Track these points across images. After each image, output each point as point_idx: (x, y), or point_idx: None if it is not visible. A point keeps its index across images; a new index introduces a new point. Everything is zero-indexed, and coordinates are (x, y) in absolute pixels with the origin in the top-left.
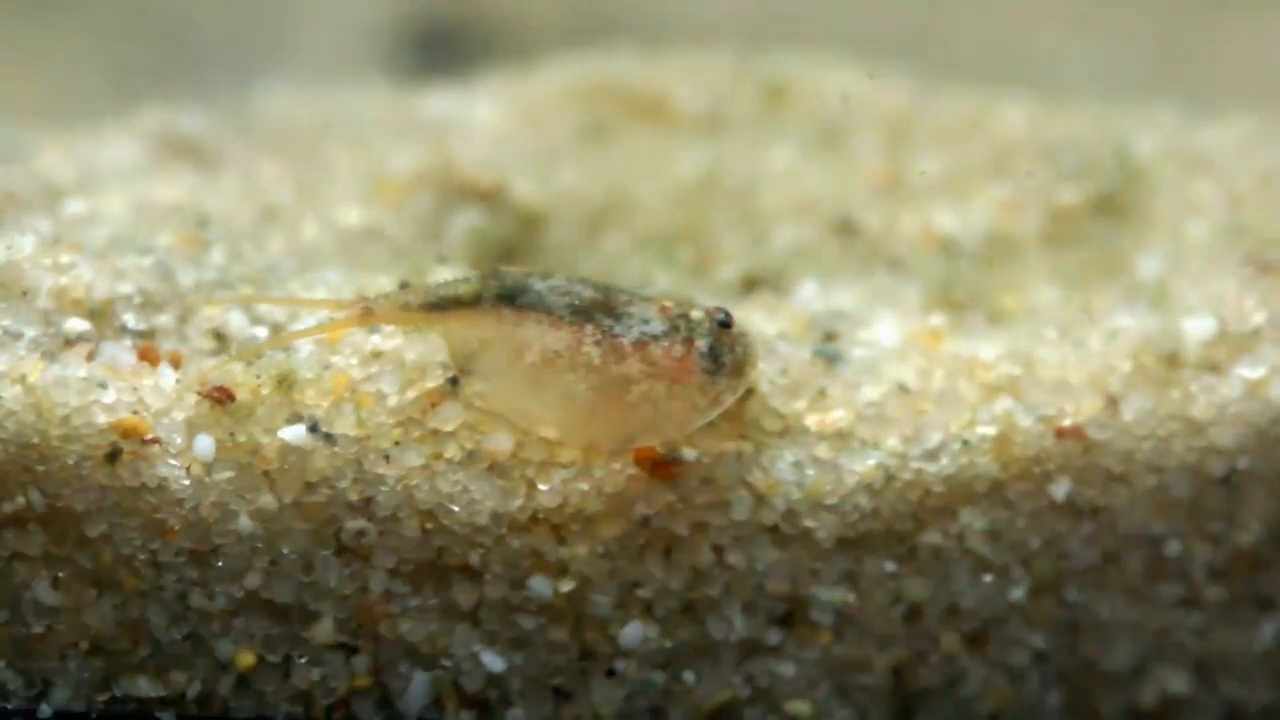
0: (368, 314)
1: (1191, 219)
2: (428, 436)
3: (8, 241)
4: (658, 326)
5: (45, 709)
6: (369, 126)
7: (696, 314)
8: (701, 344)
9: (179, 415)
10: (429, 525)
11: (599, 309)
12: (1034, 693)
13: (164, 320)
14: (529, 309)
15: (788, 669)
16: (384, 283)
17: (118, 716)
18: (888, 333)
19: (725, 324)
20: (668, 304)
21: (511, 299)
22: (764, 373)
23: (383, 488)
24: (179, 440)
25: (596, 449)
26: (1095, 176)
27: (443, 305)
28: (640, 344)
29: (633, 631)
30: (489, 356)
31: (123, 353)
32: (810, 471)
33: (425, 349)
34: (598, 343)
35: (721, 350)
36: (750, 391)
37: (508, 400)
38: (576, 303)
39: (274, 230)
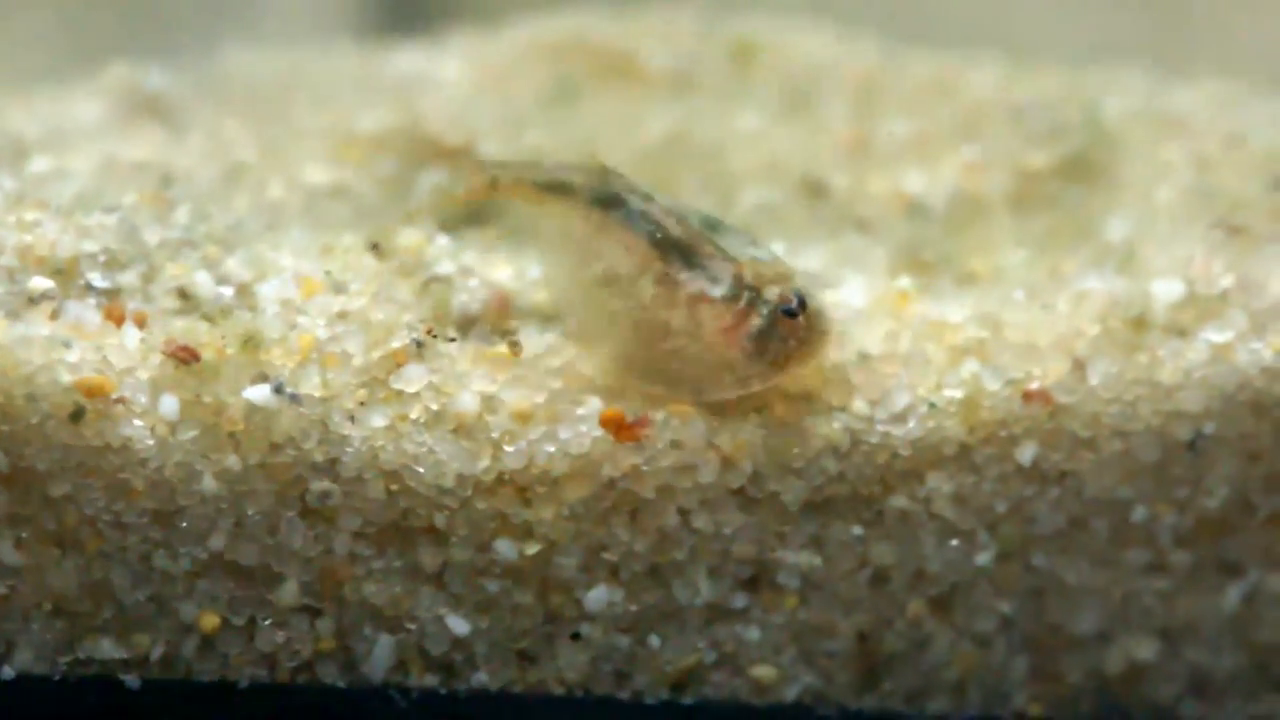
0: (493, 185)
1: (1160, 182)
2: (393, 397)
3: None
4: (722, 289)
5: (8, 671)
6: (335, 85)
7: (771, 292)
8: (754, 324)
9: (144, 375)
10: (394, 487)
11: (678, 249)
12: (1000, 658)
13: (129, 279)
14: (615, 224)
15: (753, 633)
16: (350, 241)
17: (81, 679)
18: (855, 295)
19: (791, 312)
20: (749, 271)
21: (605, 206)
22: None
23: (348, 449)
24: (143, 400)
25: (617, 380)
26: (1064, 139)
27: (553, 189)
28: (696, 299)
29: (598, 595)
30: (564, 252)
31: (87, 311)
32: (776, 434)
33: (391, 309)
34: (658, 281)
35: (771, 336)
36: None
37: (562, 299)
38: (659, 235)
39: (240, 189)
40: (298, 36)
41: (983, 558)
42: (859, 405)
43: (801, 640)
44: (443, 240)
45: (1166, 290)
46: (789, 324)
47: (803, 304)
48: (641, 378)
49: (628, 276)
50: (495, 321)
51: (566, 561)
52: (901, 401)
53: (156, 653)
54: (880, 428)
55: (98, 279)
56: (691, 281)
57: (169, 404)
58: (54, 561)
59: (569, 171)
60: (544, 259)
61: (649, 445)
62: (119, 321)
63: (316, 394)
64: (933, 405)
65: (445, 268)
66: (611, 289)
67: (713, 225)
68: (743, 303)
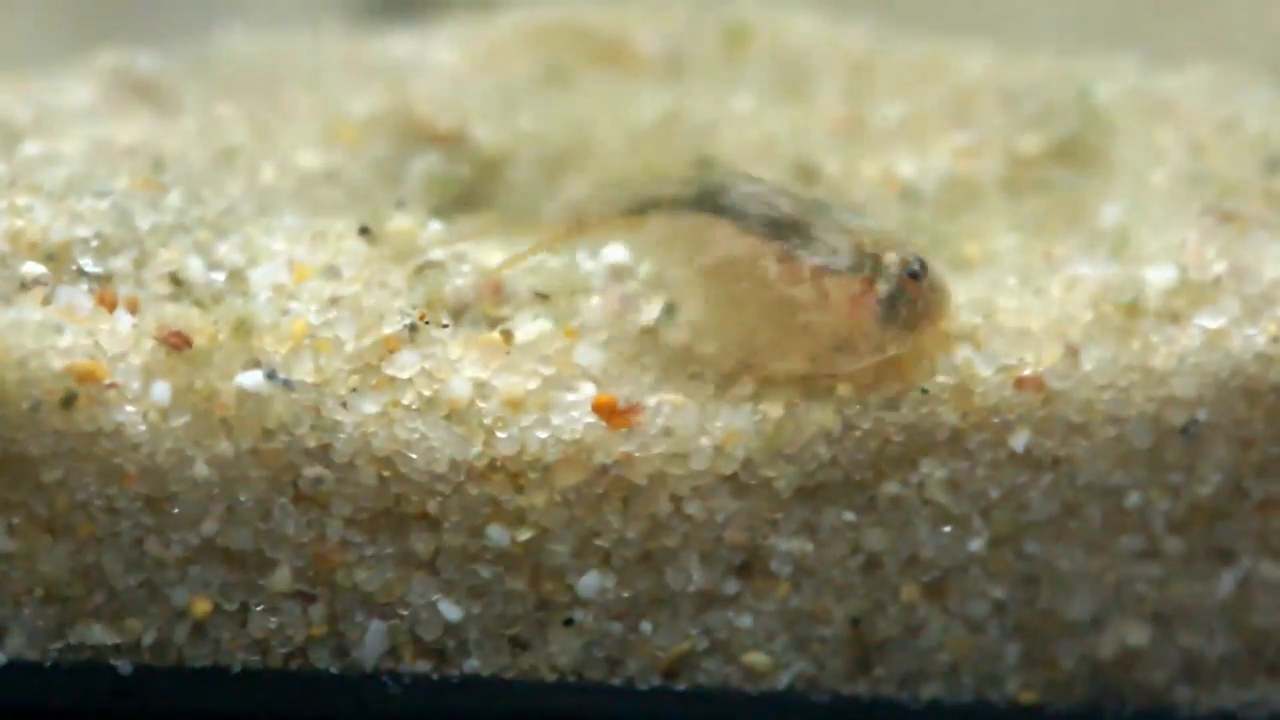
0: (581, 225)
1: (1153, 166)
2: (385, 383)
3: None
4: (843, 260)
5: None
6: (327, 69)
7: (890, 258)
8: (881, 289)
9: (136, 360)
10: (386, 473)
11: (792, 227)
12: (993, 644)
13: (121, 264)
14: (724, 211)
15: (746, 620)
16: (341, 227)
17: (73, 664)
18: None
19: (915, 275)
20: (865, 239)
21: (710, 200)
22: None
23: (340, 435)
24: (136, 385)
25: (746, 365)
26: (1056, 123)
27: (646, 207)
28: (819, 271)
29: (590, 581)
30: (675, 249)
31: (79, 297)
32: (769, 420)
33: (383, 295)
34: (779, 260)
35: (900, 300)
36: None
37: (680, 297)
38: (772, 215)
39: (232, 173)
40: (289, 20)
41: (976, 544)
42: (851, 390)
43: (794, 626)
44: (435, 226)
45: (1159, 276)
46: (914, 286)
47: (924, 266)
48: (772, 358)
49: (746, 259)
50: (487, 307)
51: (559, 548)
52: (894, 387)
53: (148, 638)
54: (873, 413)
55: (90, 264)
56: (813, 256)
57: (161, 389)
58: (45, 547)
59: (656, 186)
60: (650, 256)
61: (641, 432)
62: (111, 307)
63: (309, 380)
64: (925, 391)
65: (438, 253)
66: (729, 274)
67: (809, 204)
68: (866, 270)
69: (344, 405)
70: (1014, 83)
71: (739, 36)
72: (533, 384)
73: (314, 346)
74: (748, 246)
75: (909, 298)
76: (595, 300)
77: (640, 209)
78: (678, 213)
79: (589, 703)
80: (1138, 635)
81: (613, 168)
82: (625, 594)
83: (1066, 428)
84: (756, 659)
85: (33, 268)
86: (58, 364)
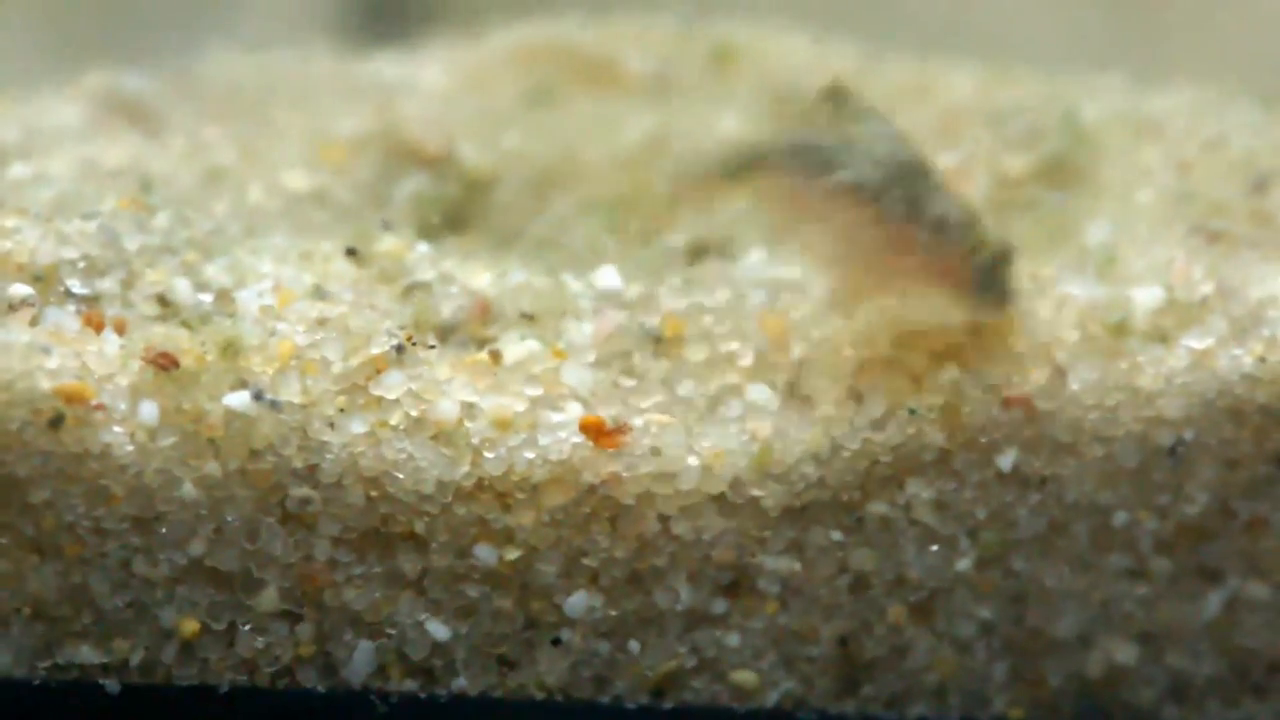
0: (681, 196)
1: (1139, 186)
2: (372, 404)
3: None
4: (956, 216)
5: None
6: (314, 90)
7: (987, 233)
8: (983, 257)
9: (123, 381)
10: (374, 493)
11: (908, 174)
12: (980, 663)
13: (108, 285)
14: (830, 167)
15: (733, 639)
16: (329, 248)
17: (60, 684)
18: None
19: (1007, 255)
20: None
21: (817, 154)
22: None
23: (328, 455)
24: (123, 406)
25: (849, 293)
26: (1043, 143)
27: (745, 167)
28: (933, 222)
29: (578, 600)
30: (782, 207)
31: (67, 318)
32: (757, 440)
33: (371, 316)
34: (893, 202)
35: (1000, 274)
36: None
37: (791, 229)
38: (879, 172)
39: (219, 194)
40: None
41: (963, 563)
42: (838, 411)
43: (782, 646)
44: (422, 247)
45: (1146, 296)
46: (1006, 266)
47: (1010, 252)
48: (871, 297)
49: (853, 223)
50: (475, 328)
51: (546, 567)
52: (881, 407)
53: (136, 658)
54: (861, 433)
55: (77, 285)
56: (927, 209)
57: (148, 410)
58: (33, 567)
59: (756, 146)
60: (776, 240)
61: (629, 451)
62: (99, 328)
63: (296, 400)
64: (913, 411)
65: (425, 274)
66: (837, 232)
67: (919, 163)
68: (973, 236)
69: (331, 426)
70: (1001, 103)
71: (726, 57)
72: (520, 404)
73: (301, 367)
74: (855, 203)
75: (1006, 275)
76: (588, 327)
77: (742, 167)
78: (782, 168)
79: None
80: (1125, 654)
81: (600, 188)
82: (613, 613)
83: (1054, 447)
84: (745, 677)
85: (20, 289)
86: (45, 385)
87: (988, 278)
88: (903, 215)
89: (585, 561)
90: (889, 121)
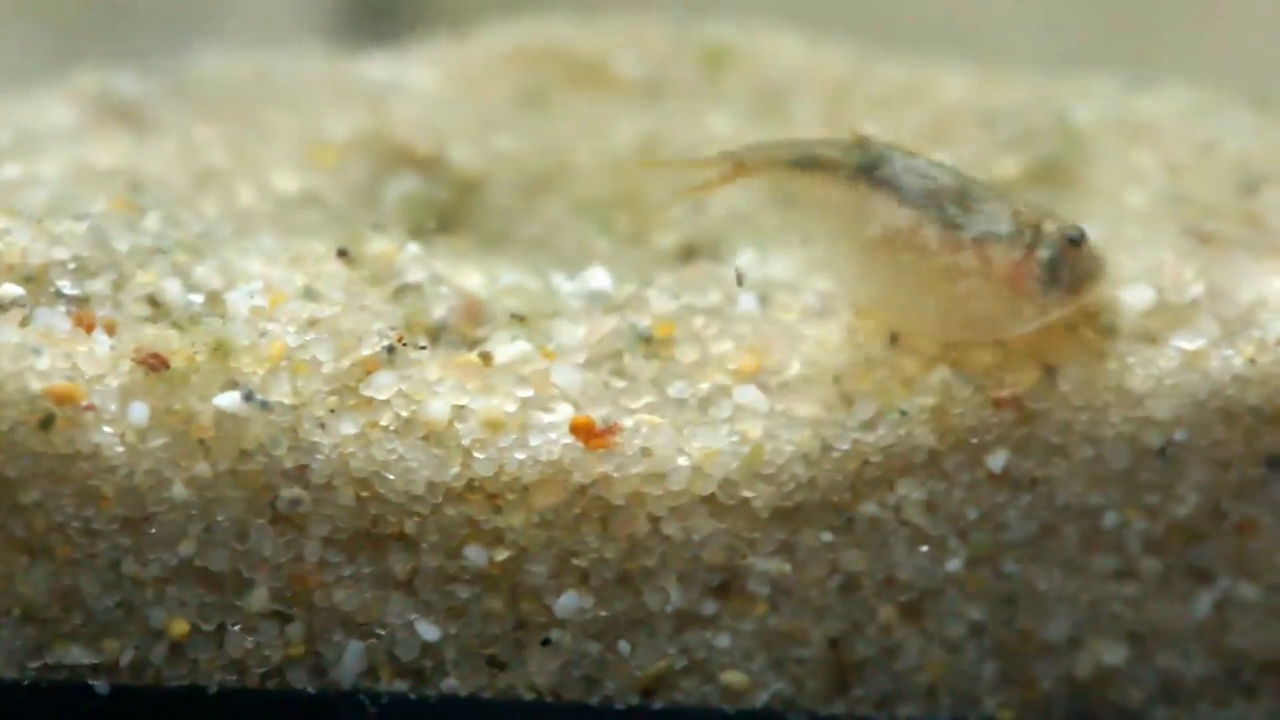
0: (740, 168)
1: (1131, 188)
2: (363, 405)
3: None
4: (1004, 227)
5: None
6: (305, 91)
7: (1049, 226)
8: (1043, 254)
9: (113, 382)
10: (364, 493)
11: (951, 197)
12: (970, 664)
13: (99, 286)
14: (883, 183)
15: (723, 640)
16: (320, 249)
17: (50, 684)
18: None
19: (1075, 241)
20: (1022, 209)
21: (870, 170)
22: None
23: (318, 456)
24: (113, 407)
25: (908, 333)
26: (1035, 145)
27: (807, 165)
28: (981, 240)
29: (568, 601)
30: (833, 220)
31: (57, 319)
32: (747, 441)
33: (362, 317)
34: (939, 229)
35: (1061, 265)
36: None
37: (839, 269)
38: (930, 186)
39: (210, 195)
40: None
41: (953, 564)
42: (829, 412)
43: (772, 646)
44: (413, 248)
45: (1137, 297)
46: (1075, 252)
47: (1083, 233)
48: (936, 328)
49: (907, 229)
50: (466, 329)
51: (536, 568)
52: (872, 408)
53: (126, 658)
54: (851, 434)
55: (68, 286)
56: (973, 225)
57: (139, 411)
58: (23, 568)
59: (819, 146)
60: (813, 236)
61: (619, 452)
62: (89, 329)
63: (287, 401)
64: (903, 412)
65: (416, 275)
66: (890, 245)
67: (965, 177)
68: (1027, 238)
69: (322, 426)
70: (993, 105)
71: (718, 58)
72: (511, 405)
73: (292, 368)
74: (907, 217)
75: (1070, 263)
76: (581, 330)
77: (807, 164)
78: (838, 178)
79: None
80: (1114, 655)
81: (591, 190)
82: (603, 614)
83: (1044, 448)
84: (735, 678)
85: (11, 289)
86: (35, 386)
87: (1054, 271)
88: (945, 242)
89: (575, 562)
90: (915, 155)
